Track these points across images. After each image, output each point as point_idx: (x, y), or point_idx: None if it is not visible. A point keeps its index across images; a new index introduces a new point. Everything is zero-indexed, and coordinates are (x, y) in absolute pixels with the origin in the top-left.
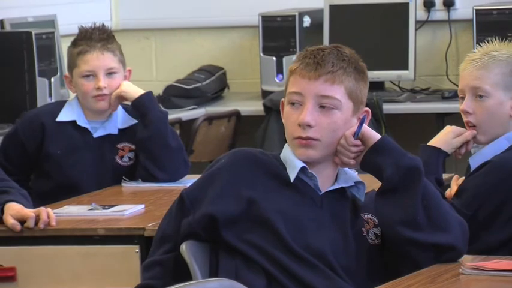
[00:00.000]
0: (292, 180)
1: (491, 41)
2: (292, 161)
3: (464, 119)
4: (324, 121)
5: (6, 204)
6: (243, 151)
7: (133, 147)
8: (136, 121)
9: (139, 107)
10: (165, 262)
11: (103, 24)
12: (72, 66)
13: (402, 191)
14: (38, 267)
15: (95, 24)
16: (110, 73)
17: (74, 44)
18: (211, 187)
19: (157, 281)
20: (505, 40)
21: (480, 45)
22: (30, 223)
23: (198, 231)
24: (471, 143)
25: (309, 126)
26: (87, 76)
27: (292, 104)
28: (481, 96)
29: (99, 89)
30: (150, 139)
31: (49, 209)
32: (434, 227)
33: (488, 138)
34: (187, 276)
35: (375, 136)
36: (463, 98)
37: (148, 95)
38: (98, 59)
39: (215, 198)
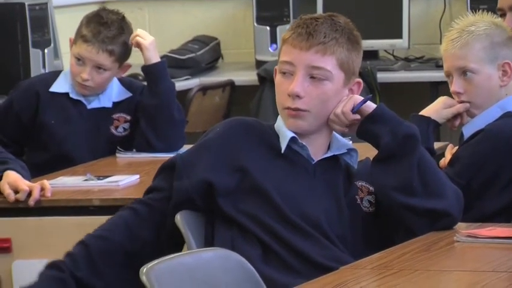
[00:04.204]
0: (283, 150)
1: (465, 15)
2: (283, 131)
3: (457, 99)
4: (314, 92)
5: (5, 172)
6: (238, 120)
7: (128, 117)
8: (131, 94)
9: (151, 73)
10: (147, 206)
11: (123, 17)
12: (75, 38)
13: (399, 158)
14: (33, 238)
15: (116, 13)
16: (99, 67)
17: (87, 21)
18: (206, 155)
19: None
20: (479, 10)
21: (455, 22)
22: (22, 196)
23: (195, 197)
24: (465, 116)
25: (298, 96)
26: (78, 60)
27: (283, 73)
28: (468, 74)
29: (82, 78)
30: (156, 107)
31: (44, 180)
32: (429, 193)
33: (483, 111)
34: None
35: (371, 105)
36: (450, 77)
37: (163, 63)
38: (92, 54)
39: (210, 165)
